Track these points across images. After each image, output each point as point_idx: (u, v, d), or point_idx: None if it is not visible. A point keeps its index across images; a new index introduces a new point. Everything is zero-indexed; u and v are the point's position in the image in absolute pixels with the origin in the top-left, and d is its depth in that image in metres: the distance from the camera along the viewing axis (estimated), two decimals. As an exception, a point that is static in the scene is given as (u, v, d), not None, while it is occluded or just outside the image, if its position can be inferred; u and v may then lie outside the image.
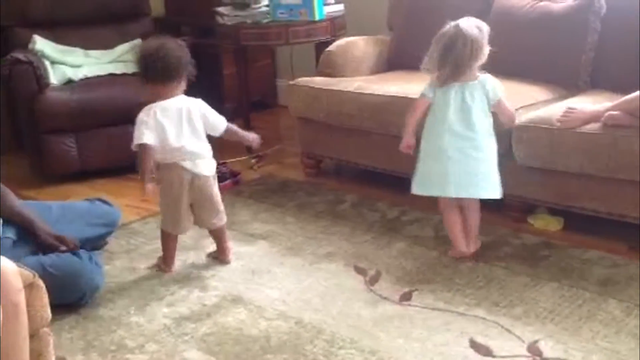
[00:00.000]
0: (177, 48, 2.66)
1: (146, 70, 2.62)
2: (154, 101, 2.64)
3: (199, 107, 2.69)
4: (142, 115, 2.62)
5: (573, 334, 2.23)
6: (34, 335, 1.89)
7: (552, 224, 2.98)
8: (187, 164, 2.64)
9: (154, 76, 2.61)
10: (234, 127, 2.80)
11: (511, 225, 3.02)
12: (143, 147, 2.58)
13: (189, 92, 4.27)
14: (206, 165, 2.69)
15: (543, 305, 2.40)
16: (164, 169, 2.65)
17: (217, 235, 2.84)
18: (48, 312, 1.95)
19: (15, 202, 2.62)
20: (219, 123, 2.73)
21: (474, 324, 2.31)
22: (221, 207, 2.78)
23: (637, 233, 2.77)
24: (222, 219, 2.80)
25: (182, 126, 2.63)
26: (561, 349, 2.15)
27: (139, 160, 2.61)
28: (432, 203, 2.98)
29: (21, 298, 1.77)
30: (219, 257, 2.86)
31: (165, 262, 2.80)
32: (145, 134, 2.58)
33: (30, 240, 2.57)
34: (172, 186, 2.66)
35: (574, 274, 2.59)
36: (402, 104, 3.02)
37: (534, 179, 2.94)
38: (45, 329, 1.96)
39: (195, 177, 2.66)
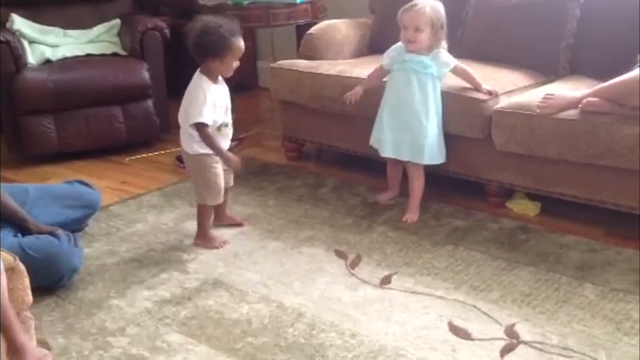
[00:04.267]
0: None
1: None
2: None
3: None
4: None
5: (550, 317, 2.27)
6: (15, 319, 1.89)
7: (530, 209, 3.02)
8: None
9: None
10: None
11: (489, 209, 3.06)
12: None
13: (168, 75, 4.22)
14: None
15: (520, 289, 2.44)
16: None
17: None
18: (29, 295, 1.94)
19: (7, 197, 2.59)
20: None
21: (453, 308, 2.34)
22: None
23: (613, 218, 2.81)
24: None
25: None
26: (538, 332, 2.19)
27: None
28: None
29: (3, 281, 1.76)
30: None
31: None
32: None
33: (7, 223, 2.56)
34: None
35: (551, 258, 2.63)
36: (384, 88, 3.03)
37: (512, 164, 2.97)
38: (27, 313, 1.97)
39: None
